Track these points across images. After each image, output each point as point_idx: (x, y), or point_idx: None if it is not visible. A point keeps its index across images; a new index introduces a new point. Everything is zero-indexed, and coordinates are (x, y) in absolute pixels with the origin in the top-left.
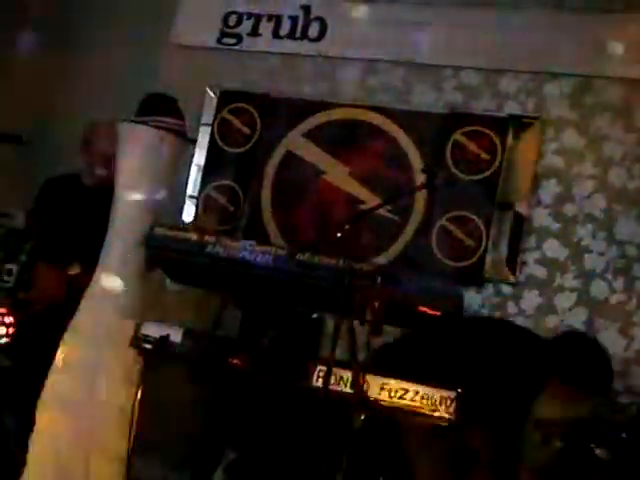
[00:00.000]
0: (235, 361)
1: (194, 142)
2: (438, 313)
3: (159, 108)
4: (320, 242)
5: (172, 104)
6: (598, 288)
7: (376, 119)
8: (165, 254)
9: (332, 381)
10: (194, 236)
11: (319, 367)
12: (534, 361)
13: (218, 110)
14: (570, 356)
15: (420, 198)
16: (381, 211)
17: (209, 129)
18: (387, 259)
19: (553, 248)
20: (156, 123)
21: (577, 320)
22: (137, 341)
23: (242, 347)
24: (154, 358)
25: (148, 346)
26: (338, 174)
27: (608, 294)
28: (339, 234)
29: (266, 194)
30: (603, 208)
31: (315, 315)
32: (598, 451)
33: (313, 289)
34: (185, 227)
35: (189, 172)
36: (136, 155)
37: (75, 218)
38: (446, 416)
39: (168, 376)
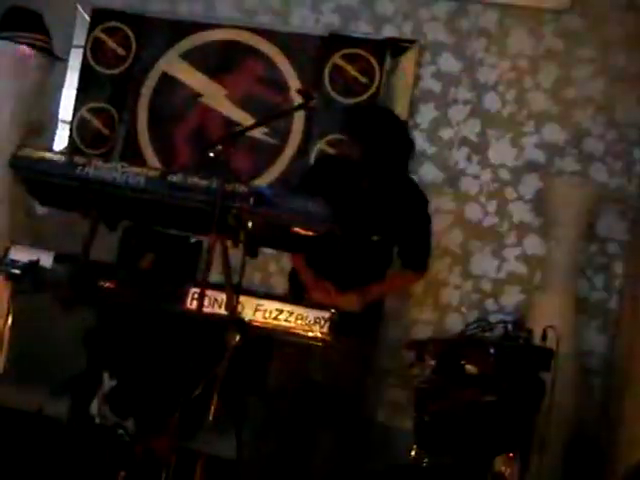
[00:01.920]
0: (108, 285)
1: (62, 60)
2: (311, 234)
3: (22, 23)
4: (195, 165)
5: (36, 19)
6: (472, 211)
7: (254, 41)
8: (32, 176)
9: (207, 303)
10: (62, 158)
11: (193, 290)
12: None
13: (90, 30)
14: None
15: (298, 121)
16: (258, 134)
17: (81, 51)
18: (265, 182)
19: (429, 172)
20: (19, 39)
21: (453, 241)
22: (4, 266)
23: (115, 271)
24: (24, 284)
25: (16, 271)
26: (215, 96)
27: (481, 216)
28: (211, 154)
29: (142, 117)
30: (478, 132)
31: (193, 239)
32: (468, 367)
33: (185, 211)
34: (59, 150)
35: (61, 96)
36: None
37: None
38: (320, 336)
39: (41, 303)
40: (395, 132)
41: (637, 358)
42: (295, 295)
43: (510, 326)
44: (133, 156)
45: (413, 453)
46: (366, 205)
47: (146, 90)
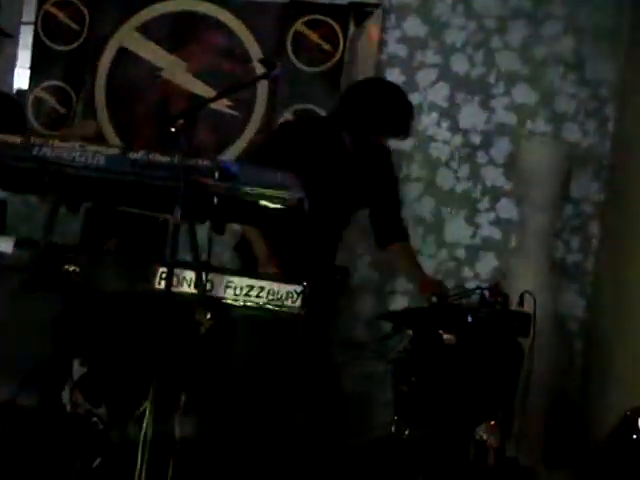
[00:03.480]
0: (72, 269)
1: (11, 37)
2: (279, 207)
3: None
4: (157, 141)
5: None
6: (443, 177)
7: (212, 10)
8: None
9: (175, 283)
10: (18, 139)
11: (161, 269)
12: None
13: (40, 4)
14: None
15: (261, 92)
16: (222, 107)
17: (32, 28)
18: (230, 156)
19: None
20: None
21: (425, 209)
22: None
23: (80, 254)
24: None
25: None
26: (175, 70)
27: (453, 184)
28: (173, 129)
29: (100, 94)
30: (447, 96)
31: (161, 218)
32: (446, 336)
33: (149, 189)
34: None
35: (13, 76)
36: None
37: None
38: (293, 311)
39: (3, 290)
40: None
41: (614, 319)
42: (245, 267)
43: (487, 292)
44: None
45: (393, 426)
46: (351, 169)
47: (103, 66)
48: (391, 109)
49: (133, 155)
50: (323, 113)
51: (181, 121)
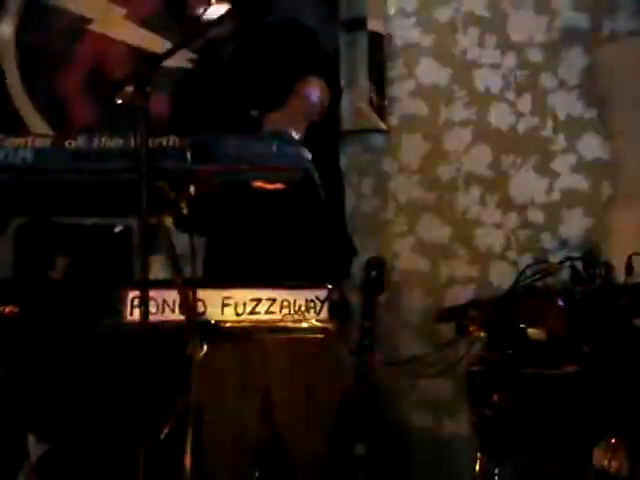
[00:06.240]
0: (8, 310)
1: None
2: (280, 186)
3: None
4: (101, 120)
5: None
6: (498, 115)
7: None
8: None
9: (153, 310)
10: None
11: (131, 294)
12: None
13: None
14: None
15: None
16: (182, 63)
17: None
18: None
19: (431, 69)
20: None
21: (479, 162)
22: None
23: (16, 289)
24: None
25: None
26: (111, 20)
27: (513, 122)
28: (119, 100)
29: (11, 67)
30: (488, 3)
31: (118, 228)
32: (532, 331)
33: (100, 188)
34: None
35: None
36: None
37: None
38: (318, 325)
39: None
40: None
41: None
42: None
43: (579, 264)
44: (9, 124)
45: (477, 465)
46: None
47: (8, 27)
48: None
49: (70, 144)
50: None
51: (130, 88)
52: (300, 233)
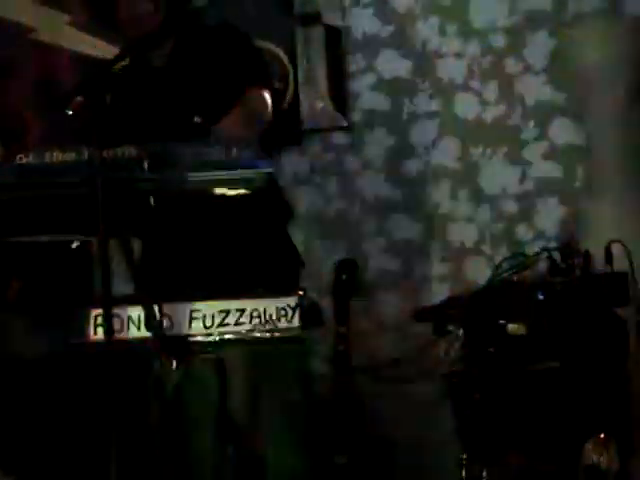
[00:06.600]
0: None
1: None
2: (247, 192)
3: None
4: (52, 133)
5: None
6: (465, 105)
7: None
8: None
9: (118, 327)
10: None
11: (94, 312)
12: None
13: None
14: None
15: None
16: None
17: None
18: None
19: (392, 61)
20: None
21: (448, 154)
22: None
23: None
24: None
25: None
26: (54, 27)
27: (479, 111)
28: (70, 112)
29: None
30: None
31: (76, 243)
32: (511, 326)
33: (51, 203)
34: None
35: None
36: None
37: None
38: (291, 333)
39: None
40: None
41: None
42: None
43: (557, 255)
44: None
45: (463, 470)
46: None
47: None
48: None
49: (20, 159)
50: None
51: (79, 98)
52: (250, 242)
